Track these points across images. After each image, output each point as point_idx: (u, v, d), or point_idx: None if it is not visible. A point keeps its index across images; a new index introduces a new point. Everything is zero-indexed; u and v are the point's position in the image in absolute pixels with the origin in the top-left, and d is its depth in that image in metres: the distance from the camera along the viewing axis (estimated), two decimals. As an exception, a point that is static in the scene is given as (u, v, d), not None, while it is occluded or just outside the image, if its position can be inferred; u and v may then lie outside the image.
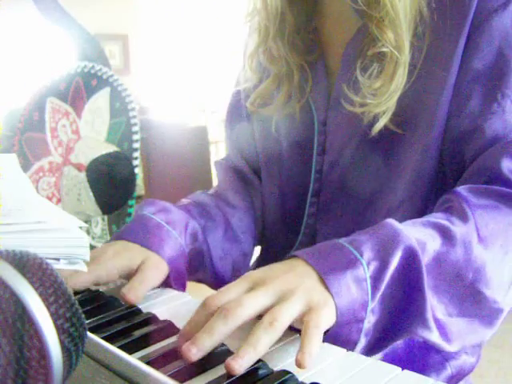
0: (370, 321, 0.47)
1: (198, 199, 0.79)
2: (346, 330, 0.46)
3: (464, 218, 0.54)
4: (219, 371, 0.42)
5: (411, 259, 0.48)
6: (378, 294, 0.47)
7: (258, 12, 0.70)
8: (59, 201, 1.11)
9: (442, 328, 0.50)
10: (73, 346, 0.31)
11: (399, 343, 0.54)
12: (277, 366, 0.42)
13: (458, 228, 0.52)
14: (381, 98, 0.61)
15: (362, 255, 0.47)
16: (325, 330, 0.44)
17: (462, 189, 0.57)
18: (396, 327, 0.49)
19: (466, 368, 0.67)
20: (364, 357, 0.43)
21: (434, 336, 0.50)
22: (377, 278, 0.47)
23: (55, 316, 0.31)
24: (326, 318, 0.44)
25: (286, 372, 0.40)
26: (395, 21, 0.59)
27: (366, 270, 0.46)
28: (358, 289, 0.46)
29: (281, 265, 0.49)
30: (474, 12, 0.59)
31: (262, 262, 0.84)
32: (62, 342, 0.30)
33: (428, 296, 0.48)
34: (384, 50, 0.60)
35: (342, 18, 0.69)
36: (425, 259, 0.49)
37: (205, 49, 5.58)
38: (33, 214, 0.56)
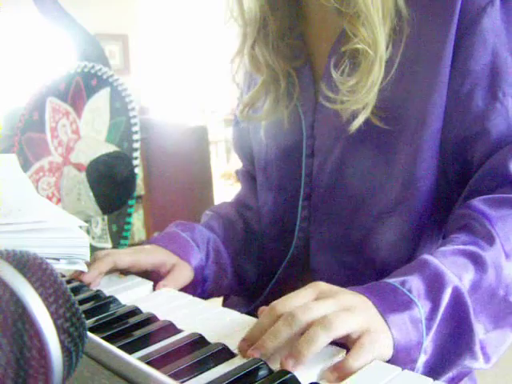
0: (421, 360, 0.48)
1: (220, 211, 0.85)
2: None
3: (490, 238, 0.54)
4: (219, 371, 0.42)
5: (458, 298, 0.49)
6: (431, 334, 0.48)
7: (234, 19, 0.69)
8: (59, 201, 1.11)
9: (483, 350, 0.51)
10: (73, 346, 0.31)
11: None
12: (277, 366, 0.42)
13: (487, 253, 0.53)
14: (358, 95, 0.61)
15: (416, 297, 0.48)
16: (375, 358, 0.43)
17: (477, 202, 0.57)
18: (445, 363, 0.50)
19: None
20: (364, 357, 0.43)
21: (478, 364, 0.51)
22: (430, 319, 0.47)
23: (55, 316, 0.31)
24: (382, 348, 0.44)
25: (286, 372, 0.40)
26: (368, 17, 0.59)
27: (420, 311, 0.47)
28: (414, 330, 0.46)
29: (343, 289, 0.49)
30: (459, 11, 0.59)
31: (261, 267, 0.84)
32: (61, 342, 0.30)
33: (476, 330, 0.49)
34: (358, 46, 0.60)
35: (326, 22, 0.69)
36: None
37: (205, 49, 5.58)
38: (33, 213, 0.56)
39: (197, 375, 0.42)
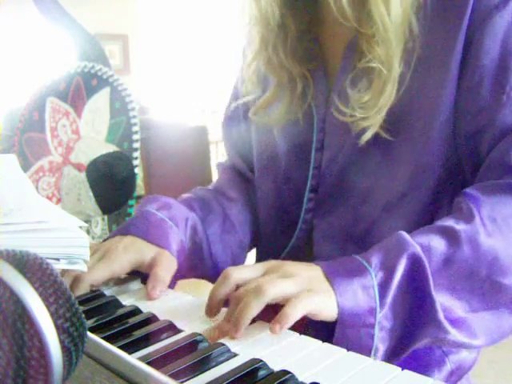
0: (383, 327, 0.49)
1: (198, 193, 0.83)
2: (355, 333, 0.48)
3: (469, 215, 0.55)
4: (219, 371, 0.42)
5: (417, 265, 0.50)
6: (388, 301, 0.49)
7: (256, 21, 0.70)
8: (59, 201, 1.11)
9: (463, 325, 0.52)
10: (73, 346, 0.31)
11: None
12: (277, 366, 0.42)
13: (462, 227, 0.54)
14: (369, 112, 0.62)
15: (370, 264, 0.50)
16: (305, 312, 0.47)
17: (470, 189, 0.59)
18: (411, 333, 0.51)
19: (467, 364, 0.68)
20: (364, 357, 0.43)
21: (452, 336, 0.51)
22: (384, 286, 0.49)
23: (55, 316, 0.31)
24: (322, 306, 0.47)
25: (286, 372, 0.40)
26: (385, 38, 0.60)
27: (373, 278, 0.49)
28: (365, 295, 0.48)
29: (295, 262, 0.53)
30: (471, 10, 0.60)
31: (261, 259, 0.84)
32: (61, 342, 0.30)
33: (437, 299, 0.50)
34: (373, 65, 0.61)
35: (339, 26, 0.69)
36: (432, 263, 0.51)
37: (205, 49, 5.58)
38: (33, 213, 0.56)
39: (197, 375, 0.42)
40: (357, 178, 0.69)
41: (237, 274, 0.51)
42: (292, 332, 0.49)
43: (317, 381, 0.40)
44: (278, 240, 0.80)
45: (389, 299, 0.49)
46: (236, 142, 0.88)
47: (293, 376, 0.40)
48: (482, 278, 0.53)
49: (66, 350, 0.31)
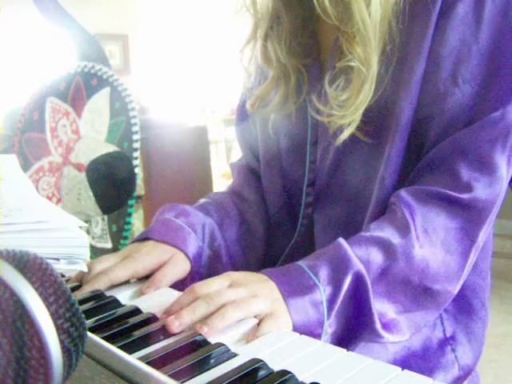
0: (327, 332, 0.55)
1: (214, 197, 0.84)
2: None
3: (405, 227, 0.59)
4: (219, 371, 0.42)
5: (359, 282, 0.55)
6: (333, 313, 0.54)
7: (246, 8, 0.71)
8: (59, 201, 1.11)
9: (394, 328, 0.58)
10: (73, 346, 0.31)
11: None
12: (277, 366, 0.42)
13: (397, 241, 0.58)
14: (347, 111, 0.63)
15: (319, 281, 0.54)
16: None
17: (405, 192, 0.61)
18: (351, 336, 0.57)
19: (471, 367, 0.69)
20: (364, 357, 0.43)
21: (385, 339, 0.57)
22: (331, 301, 0.54)
23: (55, 316, 0.31)
24: (283, 325, 0.51)
25: (286, 372, 0.40)
26: (365, 37, 0.61)
27: (322, 293, 0.54)
28: (315, 311, 0.53)
29: (254, 275, 0.57)
30: (441, 3, 0.61)
31: (266, 255, 0.84)
32: (61, 342, 0.30)
33: (375, 311, 0.55)
34: (352, 64, 0.62)
35: (330, 24, 0.70)
36: (371, 275, 0.56)
37: (205, 49, 5.58)
38: (33, 213, 0.56)
39: (197, 375, 0.42)
40: (348, 172, 0.70)
41: (200, 289, 0.53)
42: (292, 332, 0.49)
43: (317, 381, 0.40)
44: (281, 234, 0.81)
45: (334, 312, 0.54)
46: (247, 139, 0.89)
47: (293, 376, 0.40)
48: (415, 284, 0.59)
49: (65, 350, 0.31)
